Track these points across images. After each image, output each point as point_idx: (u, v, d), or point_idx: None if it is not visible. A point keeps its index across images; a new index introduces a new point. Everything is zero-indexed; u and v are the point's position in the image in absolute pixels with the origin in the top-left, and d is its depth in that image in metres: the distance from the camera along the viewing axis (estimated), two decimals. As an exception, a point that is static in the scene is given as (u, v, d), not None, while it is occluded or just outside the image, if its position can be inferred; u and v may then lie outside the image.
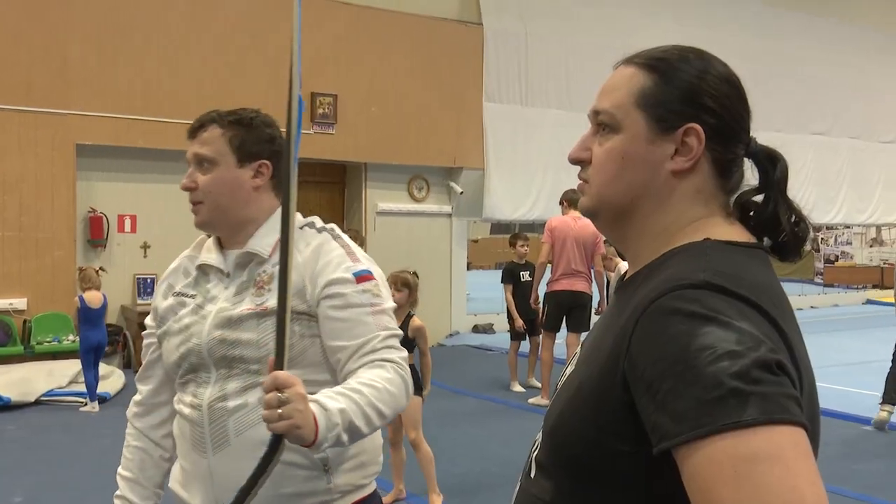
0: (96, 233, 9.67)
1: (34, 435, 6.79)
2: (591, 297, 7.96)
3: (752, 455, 0.87)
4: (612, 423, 1.02)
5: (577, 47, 12.70)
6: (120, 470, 2.17)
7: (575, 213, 7.84)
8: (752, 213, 1.18)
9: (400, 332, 1.97)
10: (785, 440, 0.88)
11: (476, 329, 12.47)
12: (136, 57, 9.67)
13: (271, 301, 1.86)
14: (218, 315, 1.95)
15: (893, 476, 5.64)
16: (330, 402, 1.65)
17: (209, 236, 2.13)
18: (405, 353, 1.94)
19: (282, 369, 1.51)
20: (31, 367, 8.32)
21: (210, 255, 2.06)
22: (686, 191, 1.15)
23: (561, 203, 8.23)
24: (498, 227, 23.18)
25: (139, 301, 9.83)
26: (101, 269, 8.11)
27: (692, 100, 1.14)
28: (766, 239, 1.17)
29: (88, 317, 7.47)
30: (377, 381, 1.79)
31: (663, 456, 0.94)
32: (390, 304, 1.97)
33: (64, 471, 5.83)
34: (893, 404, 6.91)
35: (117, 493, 2.16)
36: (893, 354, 6.94)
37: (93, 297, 7.51)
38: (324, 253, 1.95)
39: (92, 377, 7.54)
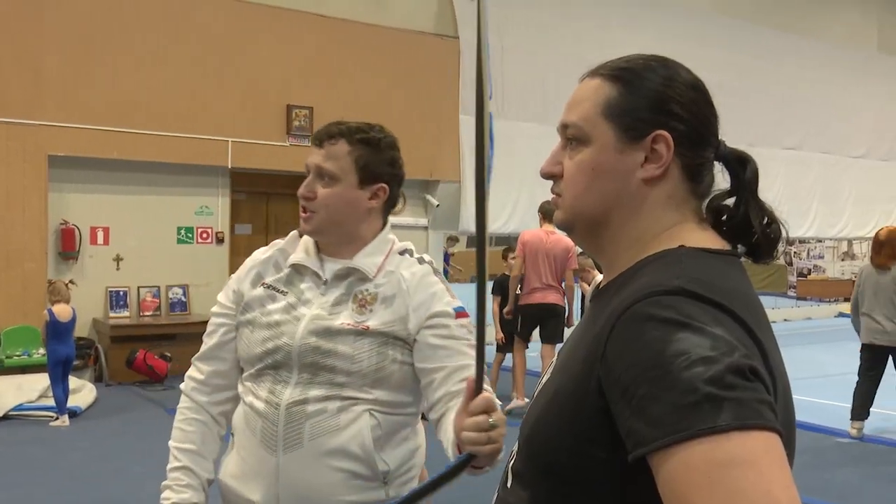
0: (68, 245, 9.58)
1: (6, 449, 6.69)
2: (564, 308, 7.99)
3: (727, 461, 0.87)
4: (587, 430, 1.02)
5: (553, 61, 12.75)
6: (177, 444, 2.13)
7: (549, 227, 7.90)
8: (724, 217, 1.19)
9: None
10: (759, 446, 0.89)
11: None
12: (111, 68, 9.61)
13: (372, 321, 1.98)
14: (314, 321, 2.00)
15: (865, 486, 5.69)
16: None
17: (301, 234, 2.15)
18: None
19: (480, 392, 1.44)
20: (0, 381, 8.21)
21: (308, 257, 2.10)
22: (658, 198, 1.16)
23: (539, 214, 8.25)
24: (473, 241, 23.21)
25: (111, 314, 9.74)
26: (71, 281, 8.02)
27: (658, 107, 1.15)
28: (739, 244, 1.18)
29: (57, 330, 7.37)
30: None
31: (639, 462, 0.94)
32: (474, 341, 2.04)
33: (37, 486, 5.74)
34: (862, 420, 6.99)
35: (178, 464, 2.10)
36: (859, 369, 7.03)
37: (62, 311, 7.42)
38: (427, 285, 2.04)
39: (60, 391, 7.44)
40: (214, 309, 2.20)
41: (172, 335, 9.36)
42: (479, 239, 1.42)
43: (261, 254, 2.19)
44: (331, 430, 1.95)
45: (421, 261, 2.12)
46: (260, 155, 10.36)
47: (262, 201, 11.05)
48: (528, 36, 12.81)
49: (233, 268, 10.00)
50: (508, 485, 1.19)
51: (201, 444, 2.14)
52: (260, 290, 2.10)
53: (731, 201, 1.20)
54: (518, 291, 8.04)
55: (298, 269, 2.10)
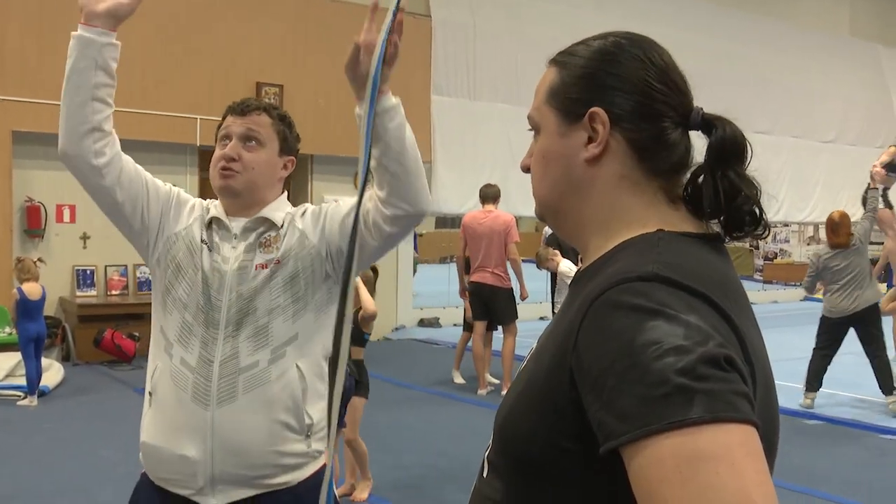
0: (34, 223, 9.45)
1: (-31, 430, 6.62)
2: (503, 289, 8.04)
3: (698, 455, 0.84)
4: (559, 421, 1.00)
5: (526, 42, 12.73)
6: None
7: (489, 207, 8.11)
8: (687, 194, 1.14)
9: None
10: (732, 439, 0.85)
11: (422, 323, 12.46)
12: (77, 43, 9.45)
13: (279, 254, 2.14)
14: (235, 274, 2.12)
15: (835, 469, 5.76)
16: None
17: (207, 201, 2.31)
18: None
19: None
20: (-34, 360, 8.10)
21: (219, 213, 2.24)
22: (607, 178, 1.12)
23: (479, 197, 8.43)
24: (443, 221, 23.22)
25: (78, 293, 9.64)
26: (39, 259, 7.92)
27: (592, 83, 1.12)
28: (713, 219, 1.12)
29: (27, 308, 7.31)
30: None
31: (611, 454, 0.91)
32: None
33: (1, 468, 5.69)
34: (815, 391, 7.34)
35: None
36: (817, 343, 7.39)
37: (32, 289, 7.35)
38: (314, 207, 2.26)
39: (33, 369, 7.36)
40: (160, 183, 2.32)
41: (140, 314, 9.27)
42: (350, 248, 1.44)
43: (192, 205, 2.32)
44: (264, 383, 2.06)
45: (304, 205, 2.30)
46: (230, 133, 10.26)
47: (232, 180, 10.96)
48: (499, 17, 12.77)
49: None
50: (484, 475, 1.17)
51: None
52: (201, 246, 2.19)
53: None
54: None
55: (213, 225, 2.23)
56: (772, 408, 1.04)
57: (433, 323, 12.41)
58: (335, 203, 2.22)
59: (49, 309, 8.94)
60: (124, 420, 6.90)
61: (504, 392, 7.89)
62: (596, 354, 0.95)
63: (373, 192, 2.08)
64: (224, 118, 2.26)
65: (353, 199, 1.98)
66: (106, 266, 9.86)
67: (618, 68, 1.12)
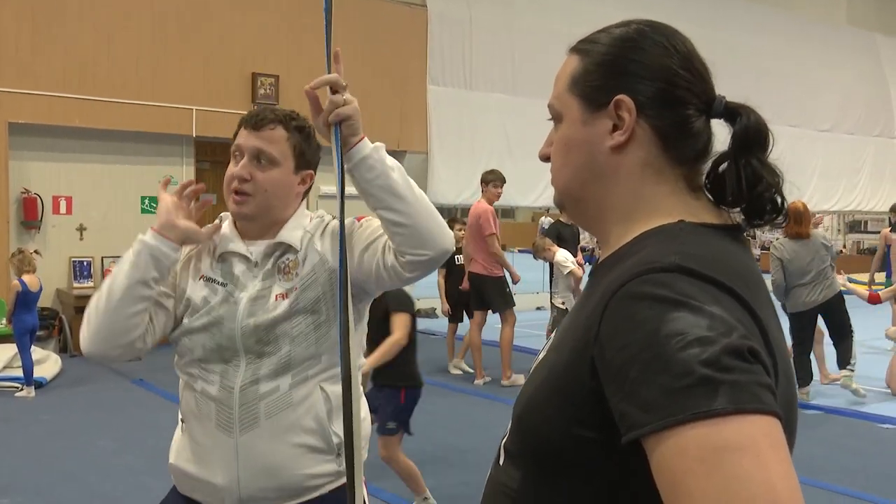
0: (30, 214, 9.43)
1: (-34, 421, 6.62)
2: (493, 277, 8.03)
3: (722, 446, 0.84)
4: (579, 411, 0.99)
5: (522, 32, 12.71)
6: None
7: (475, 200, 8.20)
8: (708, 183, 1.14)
9: None
10: (756, 430, 0.85)
11: (418, 313, 12.42)
12: (72, 35, 9.43)
13: (298, 281, 2.04)
14: (250, 303, 2.03)
15: (832, 458, 5.78)
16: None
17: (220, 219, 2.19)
18: None
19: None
20: (-38, 352, 8.10)
21: (235, 244, 2.11)
22: (631, 166, 1.11)
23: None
24: (440, 212, 23.19)
25: (75, 284, 9.63)
26: (35, 251, 7.92)
27: (616, 71, 1.12)
28: (735, 208, 1.12)
29: (27, 300, 7.37)
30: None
31: (632, 445, 0.91)
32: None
33: (-4, 458, 5.69)
34: (807, 384, 7.34)
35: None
36: (794, 340, 7.30)
37: (32, 281, 7.42)
38: (334, 226, 2.12)
39: (29, 360, 7.39)
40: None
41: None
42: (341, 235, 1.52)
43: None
44: (285, 407, 2.00)
45: (334, 218, 2.14)
46: (225, 124, 10.21)
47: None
48: (495, 7, 12.74)
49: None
50: (500, 463, 1.16)
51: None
52: (201, 285, 2.10)
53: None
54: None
55: (226, 257, 2.12)
56: (792, 399, 1.04)
57: (429, 313, 12.41)
58: (358, 225, 2.08)
59: (46, 300, 8.94)
60: (121, 411, 6.92)
61: (503, 382, 7.94)
62: (619, 345, 0.94)
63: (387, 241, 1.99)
64: (238, 129, 2.12)
65: (376, 223, 2.02)
66: (102, 257, 9.84)
67: (641, 55, 1.11)
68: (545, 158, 1.22)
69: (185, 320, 2.08)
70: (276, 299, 2.02)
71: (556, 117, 1.18)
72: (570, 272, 7.87)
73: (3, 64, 9.10)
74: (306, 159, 2.13)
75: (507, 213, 24.76)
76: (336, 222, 2.10)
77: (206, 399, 2.04)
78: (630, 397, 0.91)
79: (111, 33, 9.65)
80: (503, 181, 8.14)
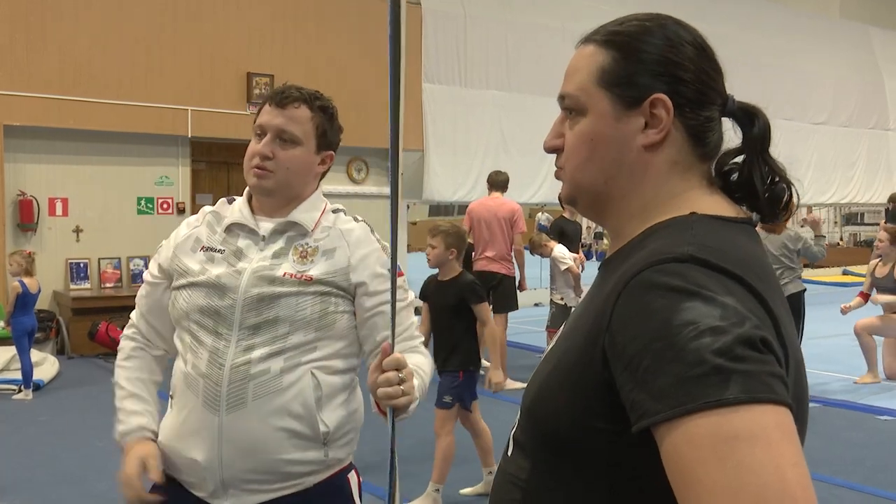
0: (26, 216, 9.41)
1: (-36, 424, 6.60)
2: (508, 276, 7.99)
3: (733, 435, 0.85)
4: (590, 400, 1.00)
5: (516, 28, 12.70)
6: (122, 376, 2.23)
7: (495, 194, 8.03)
8: (732, 178, 1.15)
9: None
10: (768, 420, 0.86)
11: (417, 311, 12.41)
12: (66, 37, 9.41)
13: (314, 271, 2.04)
14: (256, 273, 2.04)
15: (831, 451, 5.78)
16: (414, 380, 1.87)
17: (230, 201, 2.20)
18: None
19: (393, 351, 1.69)
20: (-41, 355, 8.08)
21: (243, 216, 2.13)
22: (661, 164, 1.12)
23: (487, 183, 8.36)
24: (437, 210, 23.20)
25: (72, 286, 9.62)
26: (30, 253, 7.92)
27: (654, 69, 1.11)
28: (747, 205, 1.14)
29: (26, 302, 7.37)
30: (422, 367, 2.05)
31: (642, 434, 0.91)
32: (412, 297, 2.24)
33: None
34: None
35: (124, 393, 2.21)
36: None
37: (32, 283, 7.44)
38: (368, 242, 2.13)
39: (28, 362, 7.38)
40: (146, 276, 2.24)
41: (134, 307, 9.22)
42: (393, 214, 1.53)
43: (195, 220, 2.23)
44: (274, 391, 1.99)
45: (356, 219, 2.19)
46: (220, 123, 10.24)
47: (223, 171, 10.94)
48: (489, 4, 12.73)
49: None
50: (510, 453, 1.17)
51: (149, 371, 2.22)
52: (200, 255, 2.12)
53: (740, 159, 1.15)
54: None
55: (234, 229, 2.13)
56: (803, 390, 1.05)
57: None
58: (382, 266, 2.11)
59: (43, 302, 8.92)
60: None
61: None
62: (631, 334, 0.95)
63: None
64: (262, 105, 2.13)
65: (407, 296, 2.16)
66: (99, 259, 9.83)
67: (678, 54, 1.12)
68: (552, 150, 1.20)
69: (183, 280, 2.10)
70: (285, 275, 2.03)
71: (578, 109, 1.16)
72: (568, 268, 7.84)
73: (0, 67, 9.08)
74: (328, 140, 2.14)
75: (504, 209, 24.75)
76: (359, 226, 2.16)
77: (195, 374, 2.04)
78: (642, 386, 0.91)
79: (105, 34, 9.63)
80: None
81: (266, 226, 2.11)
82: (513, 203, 8.05)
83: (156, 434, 2.12)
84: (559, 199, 1.27)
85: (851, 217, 23.90)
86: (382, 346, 1.72)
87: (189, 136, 10.22)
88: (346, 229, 2.12)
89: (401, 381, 1.72)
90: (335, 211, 2.18)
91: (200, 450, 2.02)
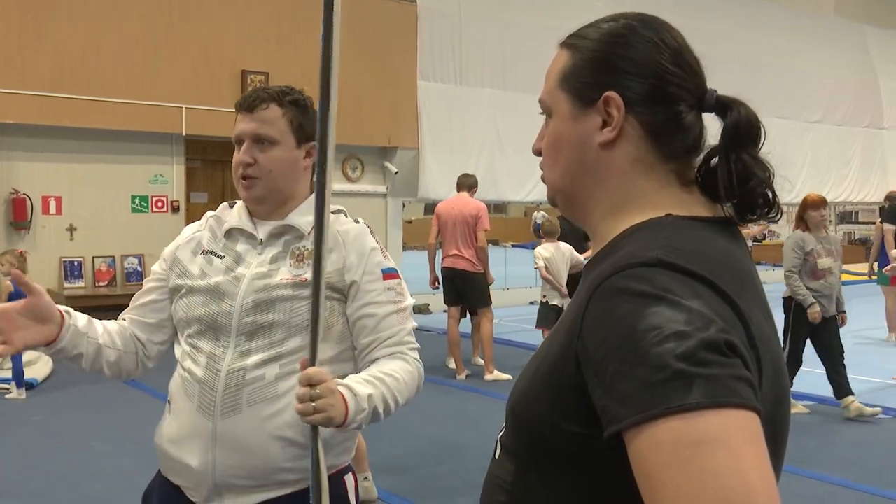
0: (20, 215, 9.39)
1: (-43, 424, 6.58)
2: (478, 273, 8.08)
3: (696, 439, 0.85)
4: (566, 405, 1.00)
5: (511, 27, 12.70)
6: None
7: (461, 195, 8.24)
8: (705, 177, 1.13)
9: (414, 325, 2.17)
10: (731, 424, 0.86)
11: (419, 310, 12.46)
12: (61, 34, 9.38)
13: (309, 274, 1.95)
14: (254, 280, 2.04)
15: (826, 448, 5.80)
16: (360, 387, 1.86)
17: (231, 205, 2.21)
18: (418, 347, 2.14)
19: (313, 365, 1.66)
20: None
21: (242, 220, 2.14)
22: (621, 162, 1.12)
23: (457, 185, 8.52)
24: (432, 208, 23.21)
25: (66, 284, 9.59)
26: (21, 252, 7.89)
27: (605, 67, 1.11)
28: (727, 202, 1.11)
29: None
30: (398, 372, 2.00)
31: (615, 439, 0.92)
32: (409, 301, 2.17)
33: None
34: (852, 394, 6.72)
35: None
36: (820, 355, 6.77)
37: None
38: (364, 242, 2.11)
39: (20, 362, 7.34)
40: (150, 276, 2.24)
41: (128, 305, 9.22)
42: (318, 224, 1.49)
43: (197, 225, 2.24)
44: (269, 398, 1.98)
45: (356, 221, 2.18)
46: (215, 122, 10.21)
47: (218, 169, 10.92)
48: (485, 2, 12.72)
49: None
50: (496, 457, 1.18)
51: (119, 331, 2.19)
52: (200, 258, 2.13)
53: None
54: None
55: (233, 233, 2.14)
56: (783, 390, 1.04)
57: (423, 310, 12.41)
58: (377, 267, 2.10)
59: (37, 301, 8.89)
60: (113, 412, 6.89)
61: (486, 377, 7.94)
62: (599, 340, 0.95)
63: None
64: (236, 116, 2.14)
65: (407, 300, 2.14)
66: (93, 257, 9.81)
67: (630, 51, 1.11)
68: (538, 153, 1.22)
69: (182, 281, 2.11)
70: (282, 280, 2.02)
71: (547, 112, 1.19)
72: (538, 268, 7.91)
73: (-9, 64, 9.05)
74: (307, 132, 2.12)
75: (500, 208, 24.76)
76: (357, 227, 2.14)
77: (191, 380, 2.04)
78: (609, 391, 0.92)
79: (100, 32, 9.60)
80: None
81: (264, 230, 2.11)
82: (477, 202, 8.23)
83: (69, 315, 2.08)
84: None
85: (846, 215, 23.93)
86: (301, 360, 1.72)
87: (184, 134, 10.20)
88: (343, 230, 2.11)
89: (314, 398, 1.68)
90: (336, 212, 2.16)
91: (194, 455, 2.01)
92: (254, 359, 1.99)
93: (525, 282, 12.99)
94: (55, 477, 5.26)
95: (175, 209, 10.33)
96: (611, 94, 1.10)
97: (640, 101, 1.10)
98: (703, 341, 0.89)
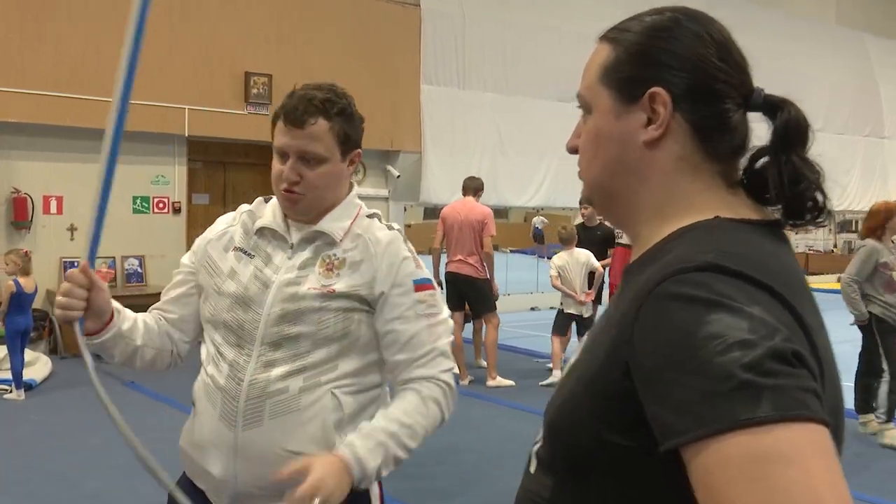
0: (20, 214, 9.37)
1: (-44, 423, 6.57)
2: (482, 279, 8.02)
3: (765, 455, 0.81)
4: (612, 414, 0.96)
5: (514, 30, 12.69)
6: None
7: (467, 199, 8.14)
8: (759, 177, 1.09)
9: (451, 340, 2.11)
10: (802, 438, 0.82)
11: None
12: (61, 34, 9.38)
13: (339, 285, 1.98)
14: (282, 289, 2.00)
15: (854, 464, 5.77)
16: (370, 460, 1.84)
17: (266, 200, 2.17)
18: (453, 364, 2.08)
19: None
20: (-49, 354, 8.03)
21: (276, 221, 2.09)
22: (665, 161, 1.07)
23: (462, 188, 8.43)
24: (432, 212, 23.17)
25: (66, 285, 9.57)
26: (25, 252, 7.87)
27: (649, 62, 1.07)
28: (774, 205, 1.07)
29: (21, 301, 7.31)
30: (411, 417, 1.96)
31: (668, 452, 0.87)
32: (444, 315, 2.10)
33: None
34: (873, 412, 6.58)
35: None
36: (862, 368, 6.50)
37: (28, 283, 7.37)
38: (396, 251, 2.05)
39: (19, 363, 7.32)
40: (180, 269, 2.21)
41: (128, 307, 9.15)
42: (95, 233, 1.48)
43: (231, 218, 2.20)
44: (292, 410, 1.95)
45: (390, 227, 2.13)
46: (217, 123, 10.21)
47: (220, 170, 10.90)
48: (488, 6, 12.72)
49: (190, 238, 9.81)
50: (532, 471, 1.13)
51: (156, 325, 2.17)
52: (231, 255, 2.10)
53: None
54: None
55: (265, 233, 2.10)
56: (838, 404, 1.00)
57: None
58: (409, 278, 2.04)
59: (37, 301, 8.86)
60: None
61: (489, 383, 7.91)
62: (653, 347, 0.90)
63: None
64: (276, 121, 2.05)
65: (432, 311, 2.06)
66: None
67: (675, 45, 1.07)
68: (573, 150, 1.17)
69: (211, 279, 2.08)
70: (309, 290, 1.98)
71: (586, 108, 1.14)
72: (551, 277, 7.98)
73: (-7, 63, 9.05)
74: (352, 141, 2.09)
75: (501, 213, 24.69)
76: (389, 234, 2.09)
77: (214, 387, 2.02)
78: (664, 400, 0.88)
79: (101, 32, 9.58)
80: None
81: (296, 234, 2.07)
82: (483, 207, 8.12)
83: (119, 314, 2.12)
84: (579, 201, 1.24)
85: (846, 224, 23.92)
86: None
87: (186, 135, 10.19)
88: (375, 238, 2.05)
89: None
90: (370, 216, 2.13)
91: (216, 463, 2.00)
92: (278, 370, 1.96)
93: (526, 287, 12.99)
94: (55, 476, 5.26)
95: (176, 210, 10.32)
96: (657, 89, 1.05)
97: (686, 98, 1.05)
98: (770, 350, 0.84)
